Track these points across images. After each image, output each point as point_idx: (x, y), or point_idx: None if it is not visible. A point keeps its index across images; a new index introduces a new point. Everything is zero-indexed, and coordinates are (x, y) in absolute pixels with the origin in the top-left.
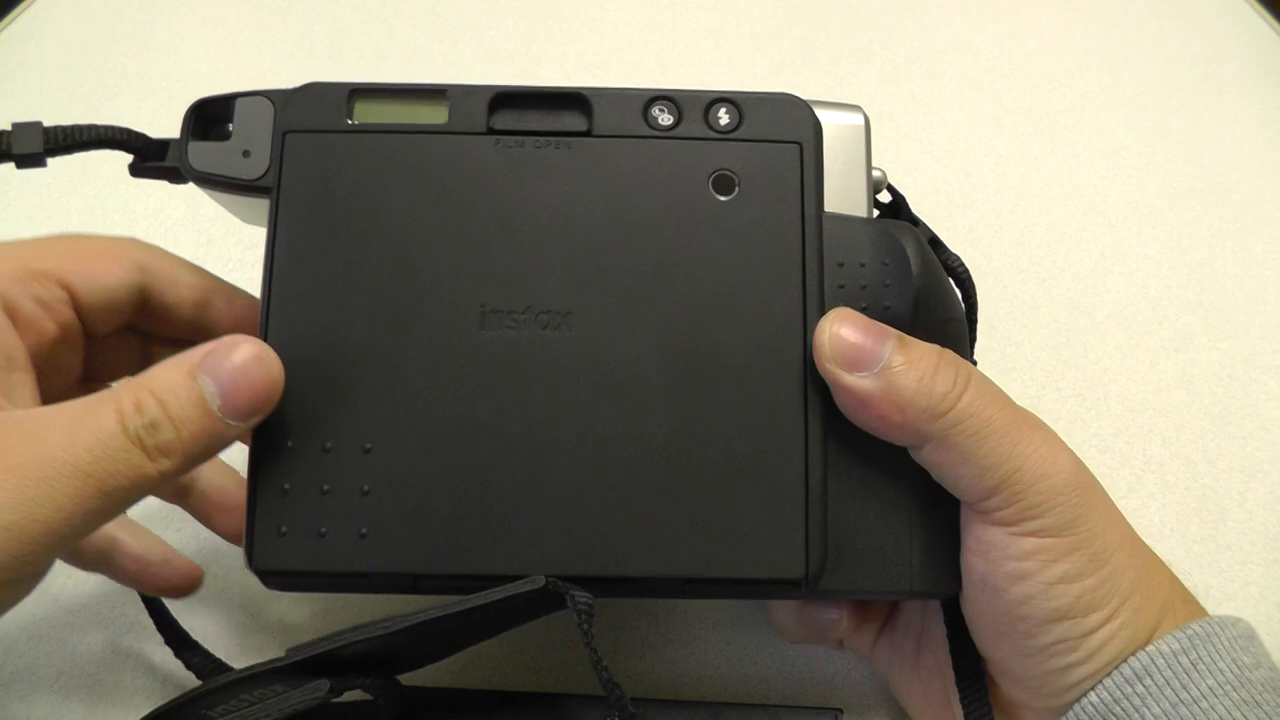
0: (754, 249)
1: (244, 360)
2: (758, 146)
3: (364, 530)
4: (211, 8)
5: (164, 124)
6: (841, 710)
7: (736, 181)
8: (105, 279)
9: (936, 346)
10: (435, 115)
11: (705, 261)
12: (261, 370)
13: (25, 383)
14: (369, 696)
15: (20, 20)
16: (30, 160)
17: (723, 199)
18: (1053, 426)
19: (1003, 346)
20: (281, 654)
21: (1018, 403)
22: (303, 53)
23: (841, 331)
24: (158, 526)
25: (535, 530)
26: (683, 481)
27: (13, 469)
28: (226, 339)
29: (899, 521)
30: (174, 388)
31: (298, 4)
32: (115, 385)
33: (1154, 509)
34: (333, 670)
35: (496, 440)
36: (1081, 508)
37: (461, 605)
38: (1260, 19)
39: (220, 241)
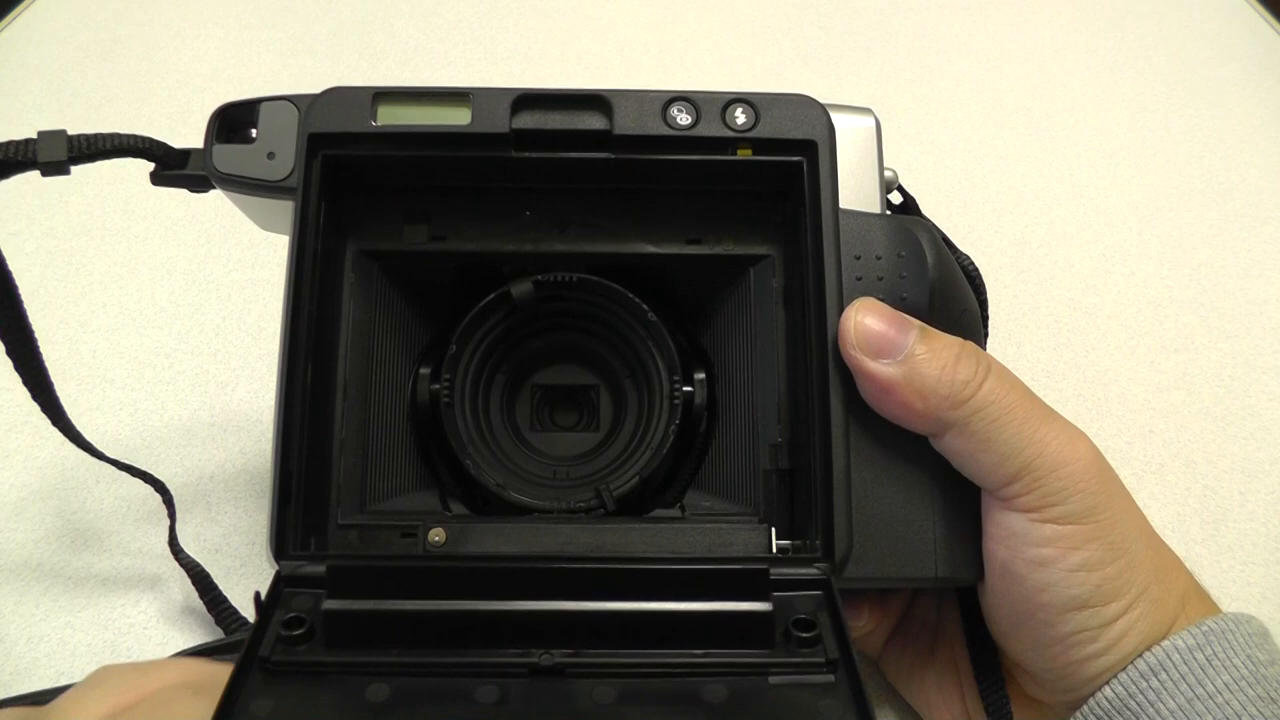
0: None
1: None
2: None
3: None
4: (211, 8)
5: (163, 124)
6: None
7: None
8: None
9: (958, 338)
10: (458, 117)
11: None
12: None
13: None
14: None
15: (20, 20)
16: (54, 168)
17: None
18: None
19: (1003, 347)
20: None
21: None
22: (302, 52)
23: (866, 320)
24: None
25: None
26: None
27: None
28: None
29: (922, 509)
30: None
31: (298, 4)
32: None
33: (1155, 509)
34: None
35: None
36: (1101, 495)
37: None
38: (1260, 19)
39: (220, 241)
